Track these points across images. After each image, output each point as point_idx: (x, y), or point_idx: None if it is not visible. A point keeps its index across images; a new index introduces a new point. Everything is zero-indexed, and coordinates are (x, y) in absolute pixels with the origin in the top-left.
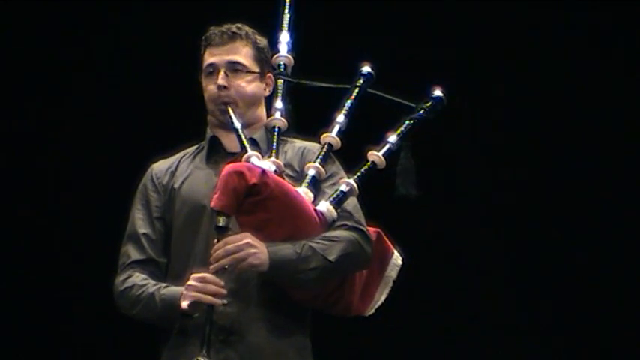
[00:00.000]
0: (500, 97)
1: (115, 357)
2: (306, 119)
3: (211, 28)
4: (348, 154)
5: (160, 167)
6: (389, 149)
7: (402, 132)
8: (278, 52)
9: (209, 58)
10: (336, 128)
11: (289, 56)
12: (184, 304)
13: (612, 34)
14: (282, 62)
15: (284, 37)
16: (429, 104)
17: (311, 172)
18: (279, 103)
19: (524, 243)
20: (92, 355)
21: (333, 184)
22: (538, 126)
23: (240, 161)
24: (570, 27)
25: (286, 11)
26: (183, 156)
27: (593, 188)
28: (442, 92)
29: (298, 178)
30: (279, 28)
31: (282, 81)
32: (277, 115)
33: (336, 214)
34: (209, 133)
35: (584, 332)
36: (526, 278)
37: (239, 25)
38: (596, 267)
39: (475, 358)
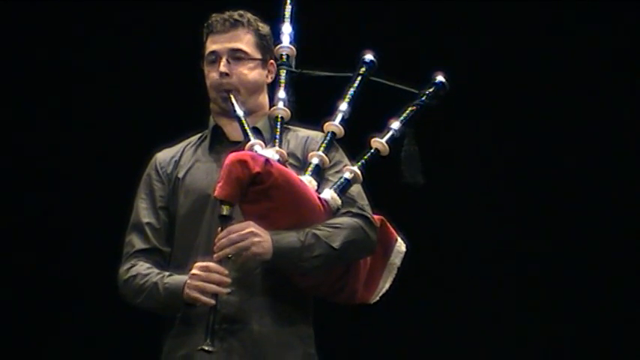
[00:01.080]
0: (505, 85)
1: (117, 346)
2: (309, 108)
3: (213, 15)
4: (352, 142)
5: (164, 156)
6: (392, 136)
7: (404, 118)
8: (280, 42)
9: (211, 46)
10: (339, 116)
11: (292, 47)
12: (190, 294)
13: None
14: (284, 53)
15: (286, 28)
16: (431, 90)
17: (314, 161)
18: (282, 93)
19: (527, 232)
20: (95, 343)
21: (337, 172)
22: (541, 116)
23: (243, 150)
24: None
25: (288, 2)
26: (187, 145)
27: (595, 181)
28: (444, 78)
29: (302, 166)
30: (282, 19)
31: (285, 71)
32: (280, 104)
33: (340, 201)
34: (212, 121)
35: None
36: (529, 266)
37: (241, 12)
38: (597, 256)
39: (478, 346)
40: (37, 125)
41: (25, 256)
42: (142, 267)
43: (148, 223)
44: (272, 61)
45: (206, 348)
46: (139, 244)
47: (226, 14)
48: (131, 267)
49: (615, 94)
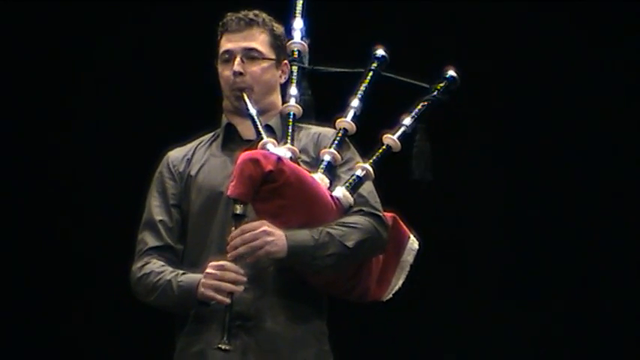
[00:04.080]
0: (515, 81)
1: (131, 344)
2: (321, 104)
3: (228, 14)
4: (364, 138)
5: (175, 155)
6: (404, 132)
7: (416, 114)
8: (292, 38)
9: (225, 45)
10: (351, 113)
11: (304, 42)
12: (205, 292)
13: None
14: (296, 49)
15: (298, 24)
16: (442, 85)
17: (326, 158)
18: (294, 90)
19: (535, 228)
20: (109, 342)
21: (349, 169)
22: (548, 115)
23: (255, 148)
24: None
25: None
26: (199, 144)
27: (600, 183)
28: (455, 72)
29: (314, 163)
30: (293, 15)
31: (297, 67)
32: (292, 101)
33: (352, 199)
34: (224, 120)
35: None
36: (540, 263)
37: (256, 12)
38: (607, 255)
39: (490, 342)
40: (52, 124)
41: (40, 258)
42: (155, 265)
43: (161, 221)
44: (286, 61)
45: (222, 347)
46: (152, 241)
47: (241, 13)
48: (144, 265)
49: (617, 95)
